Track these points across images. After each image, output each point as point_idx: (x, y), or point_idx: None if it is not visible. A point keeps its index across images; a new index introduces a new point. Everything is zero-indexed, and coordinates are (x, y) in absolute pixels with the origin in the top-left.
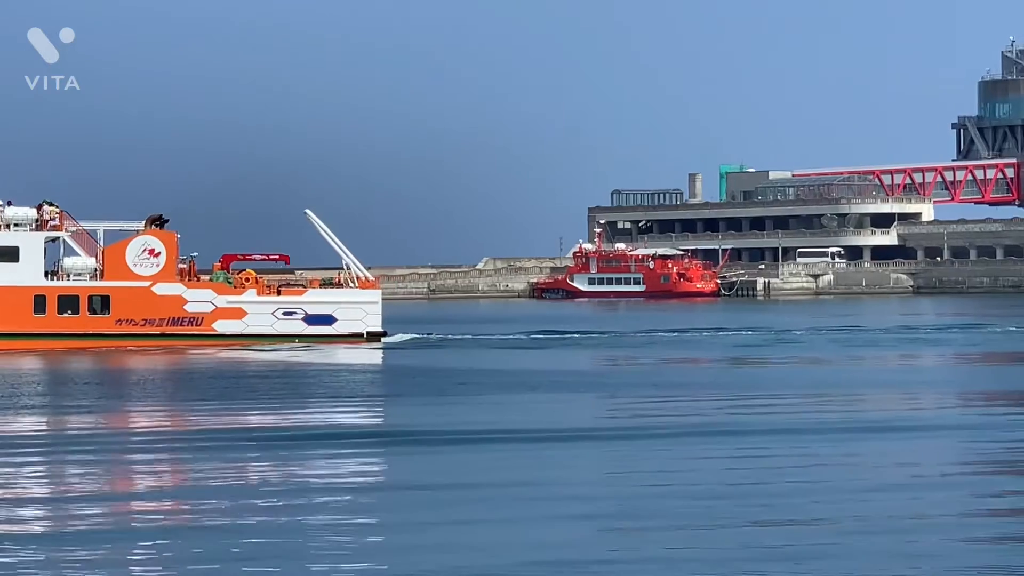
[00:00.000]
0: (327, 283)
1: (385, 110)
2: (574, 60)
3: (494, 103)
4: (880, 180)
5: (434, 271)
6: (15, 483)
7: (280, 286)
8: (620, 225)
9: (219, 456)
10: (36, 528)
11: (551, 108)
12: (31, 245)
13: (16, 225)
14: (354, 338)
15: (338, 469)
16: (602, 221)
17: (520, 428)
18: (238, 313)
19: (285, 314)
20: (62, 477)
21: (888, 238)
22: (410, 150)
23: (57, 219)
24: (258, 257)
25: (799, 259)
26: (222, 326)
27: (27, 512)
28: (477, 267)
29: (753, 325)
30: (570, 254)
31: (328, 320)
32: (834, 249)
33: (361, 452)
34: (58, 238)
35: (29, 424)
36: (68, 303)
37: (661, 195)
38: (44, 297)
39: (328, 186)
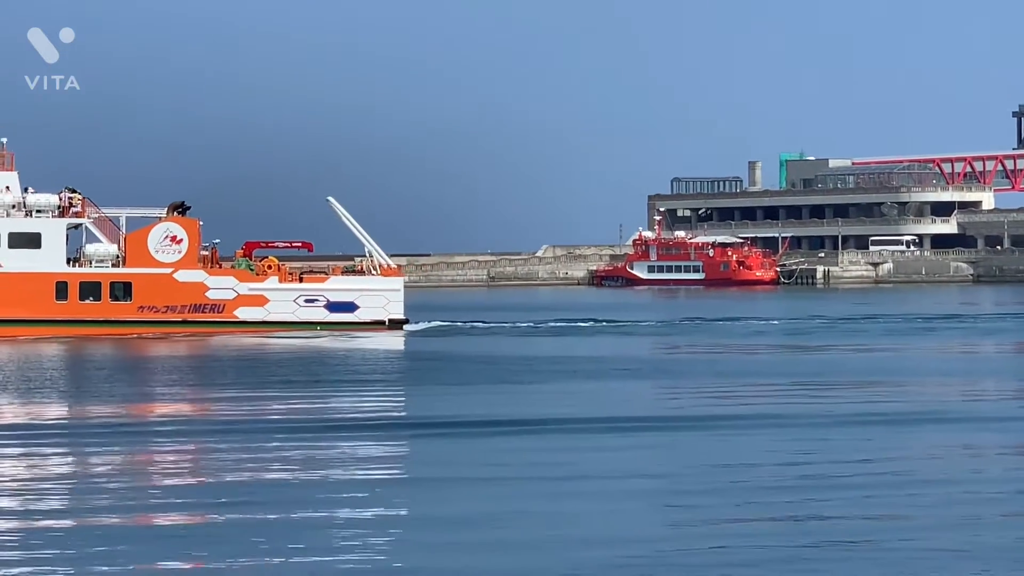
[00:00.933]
0: (349, 270)
1: (446, 95)
2: (636, 47)
3: (556, 89)
4: (940, 168)
5: (494, 258)
6: (37, 470)
7: (302, 273)
8: (680, 213)
9: (240, 445)
10: (56, 515)
11: (613, 95)
12: (53, 231)
13: (38, 212)
14: (376, 325)
15: (390, 453)
16: (662, 209)
17: (569, 417)
18: (260, 300)
19: (307, 301)
20: (83, 465)
21: (948, 226)
22: (470, 136)
23: (79, 206)
24: (281, 245)
25: (872, 247)
26: (244, 313)
27: (47, 499)
28: (537, 254)
29: (812, 313)
30: (630, 242)
31: (350, 307)
32: (909, 237)
33: (415, 439)
34: (80, 225)
35: (50, 411)
36: (90, 289)
37: (721, 183)
38: (66, 283)
39: (382, 172)
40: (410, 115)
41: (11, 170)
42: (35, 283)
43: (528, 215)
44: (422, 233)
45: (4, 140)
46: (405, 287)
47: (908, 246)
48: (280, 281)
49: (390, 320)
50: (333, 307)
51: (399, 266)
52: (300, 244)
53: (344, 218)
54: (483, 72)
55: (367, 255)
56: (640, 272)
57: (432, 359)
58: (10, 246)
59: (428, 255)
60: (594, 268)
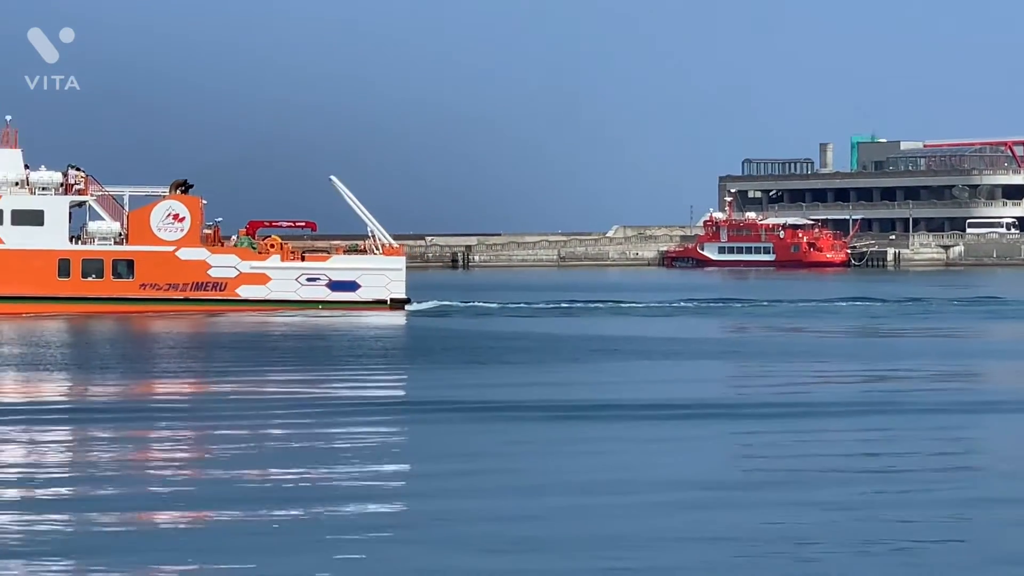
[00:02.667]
0: (352, 250)
1: (517, 73)
2: (709, 27)
3: (628, 69)
4: (1012, 151)
5: (564, 238)
6: (39, 450)
7: (304, 252)
8: (751, 194)
9: (240, 423)
10: (62, 496)
11: (685, 76)
12: (56, 209)
13: (42, 189)
14: (377, 305)
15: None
16: (733, 190)
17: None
18: (262, 279)
19: (309, 280)
20: (85, 444)
21: (1019, 209)
22: (541, 116)
23: (82, 183)
24: (284, 224)
25: (969, 229)
26: (246, 291)
27: (51, 480)
28: (607, 235)
29: (884, 295)
30: (700, 223)
31: (352, 286)
32: (1009, 220)
33: (462, 422)
34: (83, 202)
35: (51, 389)
36: (92, 267)
37: (792, 164)
38: (69, 261)
39: (453, 151)
40: (480, 93)
41: (15, 147)
42: (38, 260)
43: (599, 195)
44: (492, 213)
45: (9, 117)
46: (478, 265)
47: (1008, 228)
48: (282, 260)
49: (392, 299)
50: (335, 286)
51: (401, 246)
52: (304, 223)
53: (347, 197)
54: (554, 51)
55: (369, 234)
56: (710, 253)
57: (429, 337)
58: (13, 223)
59: (498, 235)
60: (664, 249)
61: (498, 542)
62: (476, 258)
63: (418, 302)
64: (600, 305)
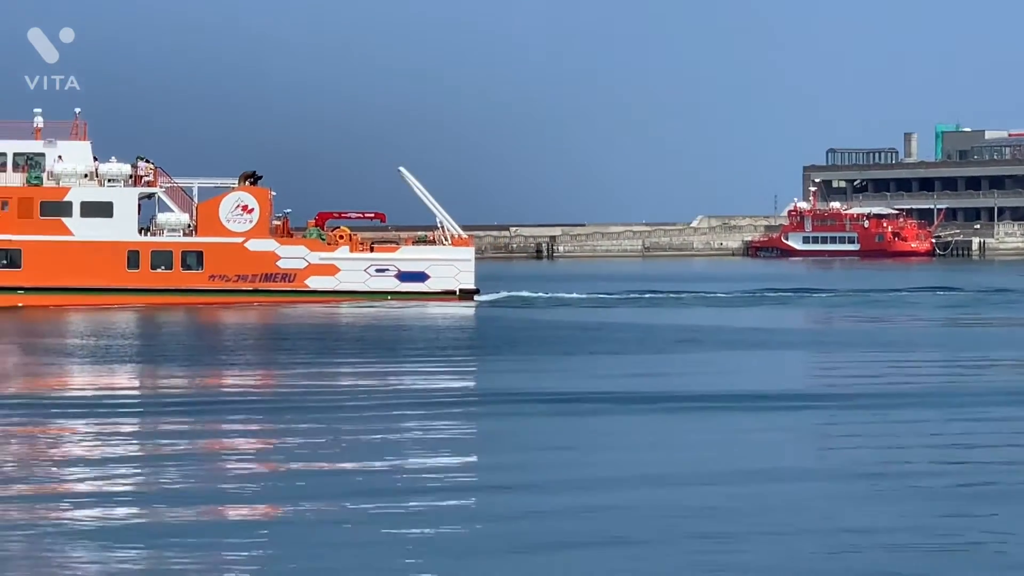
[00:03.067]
0: (421, 240)
1: (600, 65)
2: (791, 18)
3: (713, 59)
4: None
5: (648, 229)
6: (109, 442)
7: (373, 243)
8: (835, 184)
9: (309, 416)
10: (130, 489)
11: (770, 66)
12: (125, 201)
13: (110, 181)
14: (446, 295)
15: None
16: (817, 180)
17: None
18: (331, 269)
19: (378, 271)
20: (154, 437)
21: None
22: (625, 106)
23: (151, 175)
24: (354, 215)
25: None
26: (315, 282)
27: (120, 472)
28: (691, 225)
29: (969, 284)
30: (785, 213)
31: (421, 277)
32: None
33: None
34: (153, 194)
35: (121, 382)
36: (161, 258)
37: (876, 154)
38: (138, 252)
39: (537, 142)
40: (564, 83)
41: (84, 139)
42: (107, 252)
43: (683, 185)
44: (577, 203)
45: (78, 110)
46: (562, 256)
47: None
48: (351, 251)
49: (461, 290)
50: (404, 277)
51: (471, 236)
52: (373, 215)
53: (416, 188)
54: (641, 42)
55: (438, 225)
56: (795, 243)
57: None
58: (82, 215)
59: (583, 225)
60: (749, 239)
61: (579, 536)
62: (560, 248)
63: (489, 293)
64: (681, 296)
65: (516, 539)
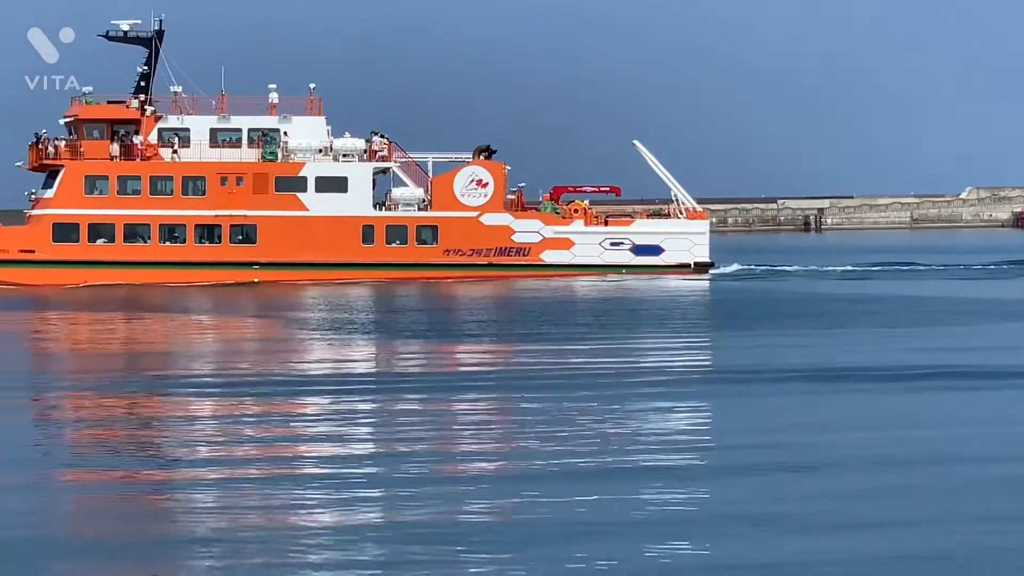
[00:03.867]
0: (656, 214)
1: (867, 34)
2: None
3: (984, 29)
4: None
5: (916, 200)
6: (347, 420)
7: (607, 217)
8: None
9: (542, 395)
10: (370, 469)
11: None
12: (360, 176)
13: (345, 156)
14: (681, 268)
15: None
16: None
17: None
18: (565, 243)
19: (612, 244)
20: (392, 415)
21: None
22: (890, 73)
23: (386, 150)
24: (589, 189)
25: None
26: (549, 256)
27: (357, 453)
28: (960, 196)
29: None
30: None
31: (655, 251)
32: None
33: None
34: (387, 169)
35: (358, 357)
36: (396, 233)
37: None
38: (372, 227)
39: (802, 112)
40: (829, 53)
41: (319, 115)
42: (342, 227)
43: (952, 156)
44: (845, 174)
45: (312, 85)
46: (830, 228)
47: None
48: (585, 224)
49: (695, 263)
50: (638, 250)
51: (705, 209)
52: (608, 188)
53: (650, 161)
54: (908, 13)
55: (672, 199)
56: None
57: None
58: (317, 190)
59: (851, 197)
60: (1019, 210)
61: (840, 520)
62: (828, 221)
63: (725, 265)
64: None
65: (785, 521)
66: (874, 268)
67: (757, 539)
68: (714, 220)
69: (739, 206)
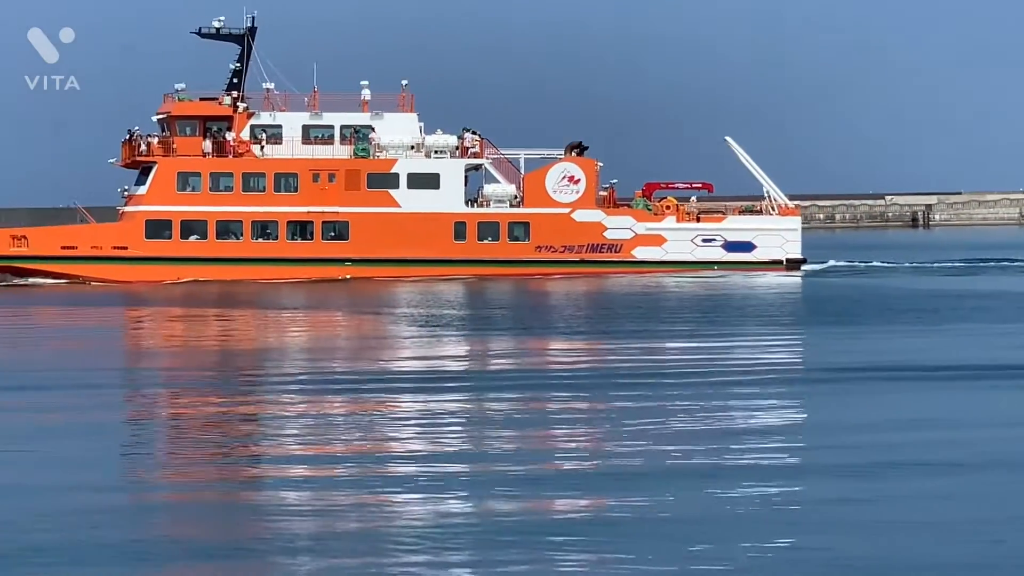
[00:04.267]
0: (748, 211)
1: (970, 31)
2: None
3: None
4: None
5: None
6: (439, 418)
7: (699, 213)
8: None
9: (635, 394)
10: (463, 467)
11: None
12: (452, 172)
13: (437, 153)
14: (773, 265)
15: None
16: None
17: None
18: (657, 240)
19: (704, 241)
20: (485, 413)
21: None
22: (999, 66)
23: (477, 146)
24: (681, 185)
25: None
26: (641, 253)
27: (448, 453)
28: None
29: None
30: None
31: (747, 247)
32: None
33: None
34: (479, 165)
35: (448, 354)
36: (488, 230)
37: None
38: (464, 224)
39: (908, 106)
40: (935, 45)
41: (411, 111)
42: (434, 223)
43: None
44: (954, 171)
45: (404, 82)
46: (938, 224)
47: None
48: (677, 221)
49: (787, 260)
50: (730, 247)
51: (797, 206)
52: (700, 185)
53: (742, 158)
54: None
55: (765, 195)
56: None
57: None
58: (409, 187)
59: (959, 193)
60: None
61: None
62: (936, 217)
63: (819, 262)
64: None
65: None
66: (982, 264)
67: (865, 536)
68: (821, 216)
69: (847, 202)
